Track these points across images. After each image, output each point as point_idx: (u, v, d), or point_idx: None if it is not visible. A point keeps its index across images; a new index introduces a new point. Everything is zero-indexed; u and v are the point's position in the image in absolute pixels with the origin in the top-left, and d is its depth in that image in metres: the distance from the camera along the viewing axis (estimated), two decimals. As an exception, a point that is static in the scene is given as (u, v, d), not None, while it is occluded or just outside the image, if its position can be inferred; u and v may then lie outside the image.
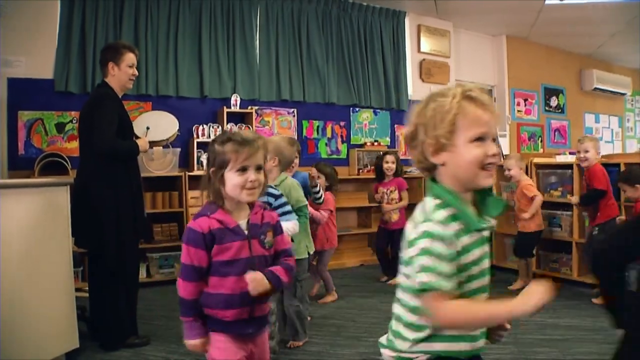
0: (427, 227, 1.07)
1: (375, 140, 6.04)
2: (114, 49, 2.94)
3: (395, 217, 4.49)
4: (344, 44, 5.87)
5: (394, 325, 1.19)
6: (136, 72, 3.01)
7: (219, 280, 1.49)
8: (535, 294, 1.02)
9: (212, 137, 4.87)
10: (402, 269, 1.15)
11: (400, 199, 4.51)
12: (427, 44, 6.58)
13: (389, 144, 6.18)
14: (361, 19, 6.01)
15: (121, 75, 2.92)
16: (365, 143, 5.91)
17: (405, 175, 5.77)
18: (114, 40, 4.45)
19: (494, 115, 1.12)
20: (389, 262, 4.51)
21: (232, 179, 1.48)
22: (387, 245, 4.59)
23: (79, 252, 3.25)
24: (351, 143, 5.95)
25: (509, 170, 4.22)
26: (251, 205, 1.56)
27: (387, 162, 4.53)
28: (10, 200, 2.34)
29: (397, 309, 1.19)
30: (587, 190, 3.84)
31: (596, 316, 3.36)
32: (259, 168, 1.51)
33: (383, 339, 1.23)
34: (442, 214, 1.08)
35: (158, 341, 2.99)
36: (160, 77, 4.86)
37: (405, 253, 1.11)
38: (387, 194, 4.52)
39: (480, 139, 1.10)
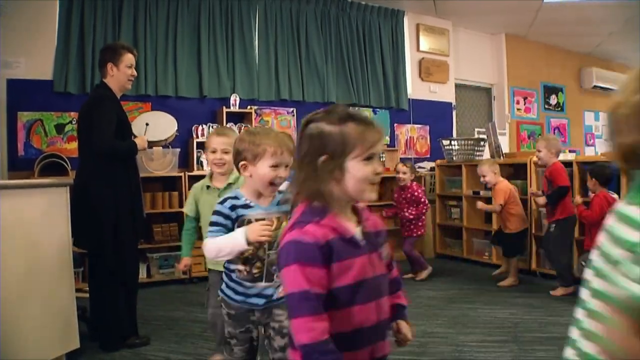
0: None
1: (375, 140, 6.03)
2: (113, 50, 2.95)
3: None
4: (342, 43, 5.87)
5: None
6: (135, 73, 3.01)
7: (339, 314, 1.08)
8: None
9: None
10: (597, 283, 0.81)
11: None
12: (426, 42, 6.58)
13: (388, 142, 6.18)
14: (360, 19, 6.02)
15: (120, 75, 2.92)
16: (365, 142, 5.90)
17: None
18: (112, 40, 4.46)
19: None
20: None
21: (357, 171, 1.11)
22: None
23: (80, 252, 3.25)
24: (351, 142, 5.94)
25: (484, 176, 4.31)
26: (353, 208, 1.20)
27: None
28: (10, 201, 2.34)
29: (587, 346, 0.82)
30: (548, 189, 3.95)
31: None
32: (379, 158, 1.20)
33: None
34: None
35: (158, 341, 2.99)
36: (160, 77, 4.86)
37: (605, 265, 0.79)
38: None
39: None
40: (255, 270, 1.71)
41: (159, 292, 4.20)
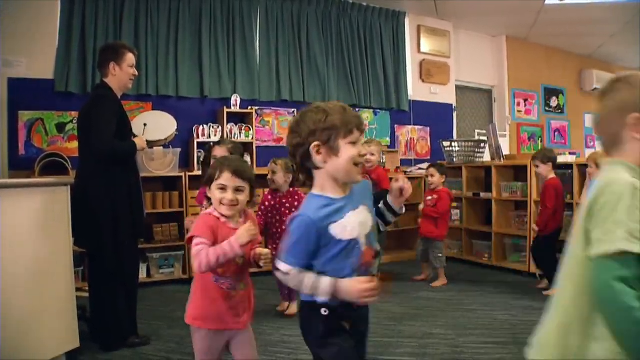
0: None
1: (375, 141, 6.04)
2: (114, 49, 2.95)
3: None
4: (343, 44, 5.88)
5: None
6: (136, 72, 3.02)
7: None
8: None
9: (213, 137, 4.87)
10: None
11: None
12: (427, 44, 6.58)
13: (389, 144, 6.19)
14: (361, 20, 6.02)
15: (123, 75, 2.92)
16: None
17: (409, 175, 5.78)
18: (114, 40, 4.47)
19: None
20: None
21: None
22: None
23: (80, 252, 3.25)
24: (351, 143, 5.94)
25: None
26: None
27: (216, 157, 2.70)
28: (10, 200, 2.35)
29: None
30: (374, 189, 4.37)
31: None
32: None
33: None
34: None
35: (158, 341, 2.99)
36: (161, 77, 4.87)
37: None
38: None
39: None
40: None
41: (159, 292, 4.20)
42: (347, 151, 1.37)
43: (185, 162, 4.87)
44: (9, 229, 2.31)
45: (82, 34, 4.52)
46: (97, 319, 2.88)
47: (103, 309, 2.84)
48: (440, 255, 4.38)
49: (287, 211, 3.45)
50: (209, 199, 1.87)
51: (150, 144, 3.51)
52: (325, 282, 1.37)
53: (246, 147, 5.01)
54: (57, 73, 4.45)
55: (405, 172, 5.89)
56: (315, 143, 1.37)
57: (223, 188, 1.79)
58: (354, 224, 1.39)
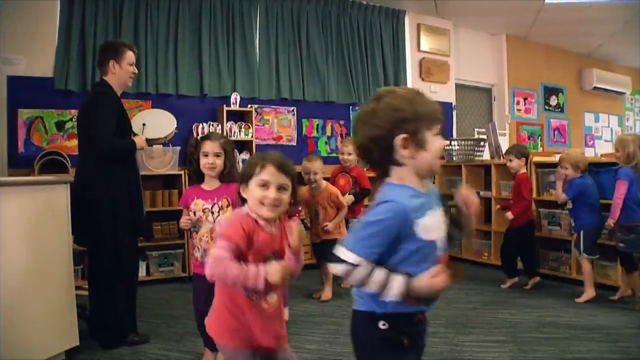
0: None
1: (375, 139, 6.03)
2: (114, 47, 2.94)
3: None
4: (343, 42, 5.87)
5: None
6: (136, 70, 3.02)
7: None
8: None
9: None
10: None
11: None
12: (427, 42, 6.58)
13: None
14: (361, 18, 6.02)
15: (122, 73, 2.92)
16: (365, 142, 5.90)
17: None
18: (114, 38, 4.46)
19: None
20: None
21: None
22: None
23: (79, 250, 3.25)
24: (351, 142, 5.94)
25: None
26: None
27: (206, 155, 2.44)
28: (10, 198, 2.34)
29: None
30: (352, 187, 4.26)
31: (595, 315, 3.38)
32: None
33: None
34: None
35: (157, 339, 2.99)
36: (160, 75, 4.86)
37: None
38: (210, 211, 2.40)
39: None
40: None
41: (158, 290, 4.21)
42: (434, 144, 1.21)
43: (185, 160, 4.84)
44: (8, 227, 2.31)
45: (82, 32, 4.52)
46: (97, 317, 2.88)
47: (102, 307, 2.84)
48: None
49: None
50: (243, 200, 1.63)
51: (150, 142, 3.51)
52: (399, 280, 1.19)
53: (245, 145, 5.02)
54: (57, 71, 4.44)
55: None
56: (403, 136, 1.17)
57: (265, 185, 1.55)
58: (435, 224, 1.24)
